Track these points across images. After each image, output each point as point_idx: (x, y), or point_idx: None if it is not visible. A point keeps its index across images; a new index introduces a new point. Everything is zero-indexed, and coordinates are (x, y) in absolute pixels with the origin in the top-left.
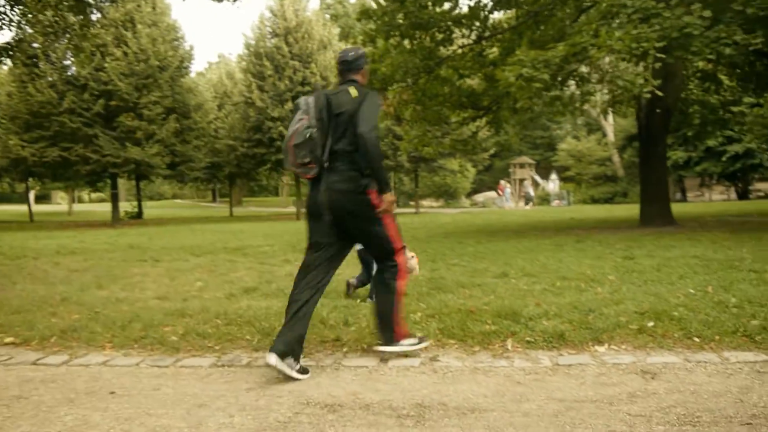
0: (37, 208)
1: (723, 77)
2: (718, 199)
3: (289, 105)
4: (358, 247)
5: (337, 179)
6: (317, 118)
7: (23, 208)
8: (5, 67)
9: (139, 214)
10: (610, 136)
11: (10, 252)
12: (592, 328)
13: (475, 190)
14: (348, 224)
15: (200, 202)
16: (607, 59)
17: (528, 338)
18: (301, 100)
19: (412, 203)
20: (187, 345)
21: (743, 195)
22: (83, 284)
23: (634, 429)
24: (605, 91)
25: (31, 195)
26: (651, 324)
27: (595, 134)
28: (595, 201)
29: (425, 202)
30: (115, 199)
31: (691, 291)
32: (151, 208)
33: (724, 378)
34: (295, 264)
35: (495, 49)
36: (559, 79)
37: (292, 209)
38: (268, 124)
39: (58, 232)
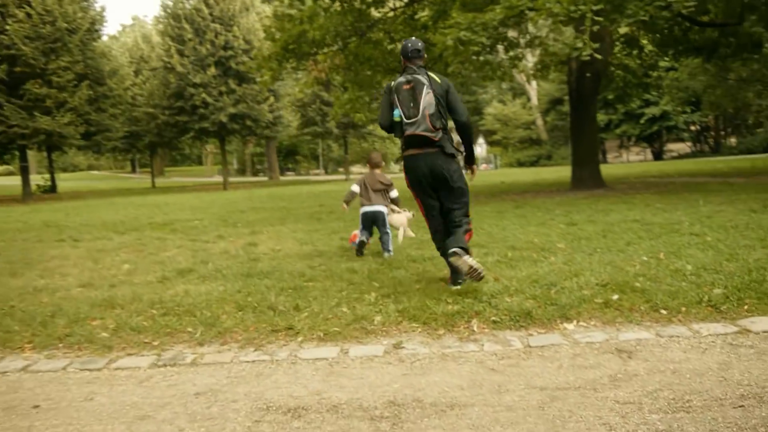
0: None
1: (644, 42)
2: (635, 159)
3: (213, 70)
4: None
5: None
6: (439, 94)
7: None
8: None
9: (52, 188)
10: (534, 100)
11: None
12: (558, 304)
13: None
14: (444, 181)
15: (119, 173)
16: (541, 22)
17: (494, 318)
18: (404, 78)
19: (341, 170)
20: (121, 342)
21: (658, 156)
22: None
23: (627, 419)
24: (532, 56)
25: None
26: (616, 297)
27: (520, 98)
28: (521, 164)
29: (354, 169)
30: (25, 173)
31: (644, 258)
32: (65, 181)
33: (700, 354)
34: (229, 240)
35: (426, 12)
36: (490, 43)
37: (219, 179)
38: (190, 91)
39: None
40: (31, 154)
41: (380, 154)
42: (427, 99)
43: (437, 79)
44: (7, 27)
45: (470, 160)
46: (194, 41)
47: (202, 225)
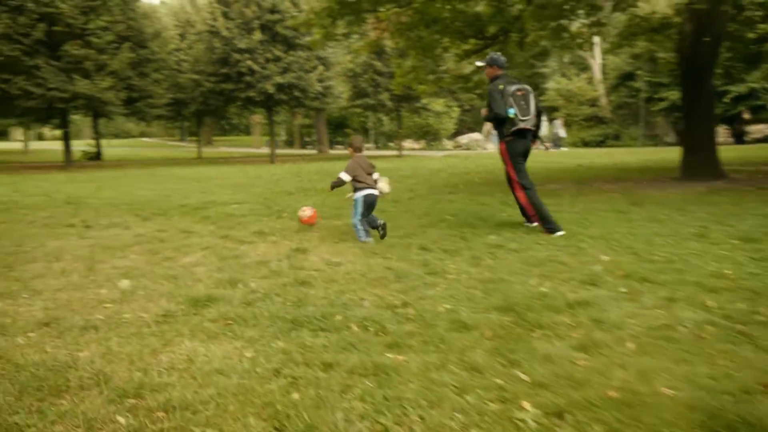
0: None
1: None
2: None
3: (258, 35)
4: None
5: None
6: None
7: None
8: None
9: (97, 155)
10: (597, 75)
11: None
12: None
13: (458, 132)
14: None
15: (168, 141)
16: None
17: None
18: (516, 86)
19: (392, 144)
20: None
21: (739, 139)
22: None
23: None
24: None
25: None
26: None
27: (586, 72)
28: (585, 144)
29: (405, 144)
30: (66, 139)
31: None
32: (114, 148)
33: None
34: (270, 240)
35: None
36: (569, 6)
37: (266, 150)
38: (235, 57)
39: (12, 178)
40: (82, 120)
41: (361, 137)
42: (533, 103)
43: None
44: None
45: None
46: (240, 3)
47: (240, 213)
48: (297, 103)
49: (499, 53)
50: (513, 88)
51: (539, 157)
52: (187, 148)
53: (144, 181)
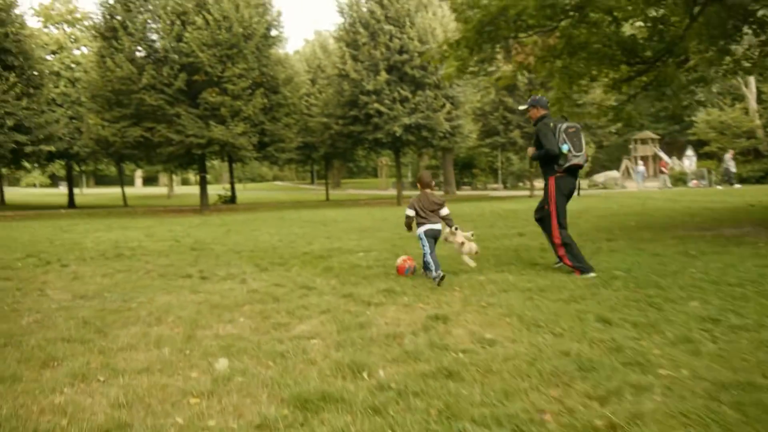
0: (141, 191)
1: None
2: None
3: (384, 75)
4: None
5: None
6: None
7: (129, 190)
8: (86, 50)
9: (232, 199)
10: (753, 104)
11: (47, 249)
12: None
13: (591, 171)
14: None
15: (300, 184)
16: None
17: None
18: (567, 124)
19: (521, 184)
20: None
21: None
22: (21, 354)
23: None
24: None
25: (138, 178)
26: None
27: (741, 102)
28: (742, 180)
29: (538, 183)
30: (203, 183)
31: None
32: (249, 191)
33: None
34: (402, 304)
35: None
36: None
37: (393, 191)
38: (363, 99)
39: (136, 220)
40: (224, 165)
41: (430, 174)
42: (584, 140)
43: None
44: (186, 35)
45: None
46: (368, 45)
47: (366, 263)
48: (425, 144)
49: (541, 95)
50: (564, 125)
51: (695, 196)
52: (316, 191)
53: (271, 224)
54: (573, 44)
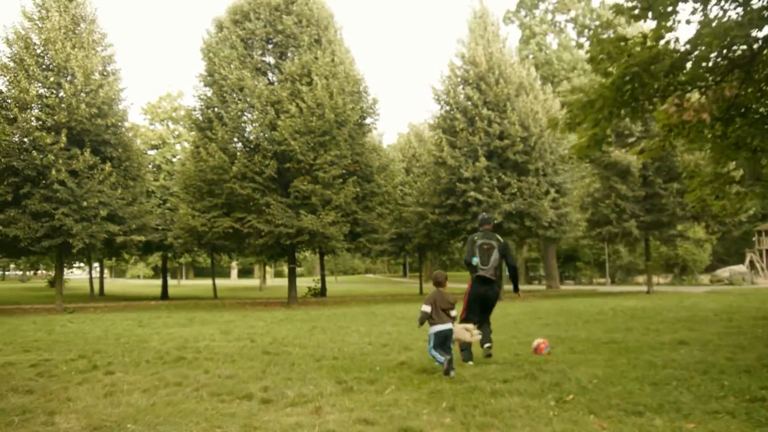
0: (235, 283)
1: None
2: None
3: (483, 161)
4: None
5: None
6: (500, 250)
7: (223, 282)
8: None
9: (322, 292)
10: None
11: (107, 348)
12: None
13: (711, 265)
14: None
15: (391, 277)
16: None
17: None
18: (482, 241)
19: (630, 279)
20: None
21: None
22: None
23: None
24: None
25: (234, 269)
26: None
27: None
28: None
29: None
30: (292, 275)
31: None
32: (341, 283)
33: None
34: None
35: None
36: None
37: None
38: (460, 187)
39: (220, 313)
40: (316, 257)
41: (444, 274)
42: (495, 256)
43: (500, 239)
44: (279, 123)
45: (516, 288)
46: (466, 131)
47: (490, 383)
48: (528, 233)
49: (484, 213)
50: (481, 241)
51: None
52: (409, 284)
53: (361, 321)
54: (737, 107)
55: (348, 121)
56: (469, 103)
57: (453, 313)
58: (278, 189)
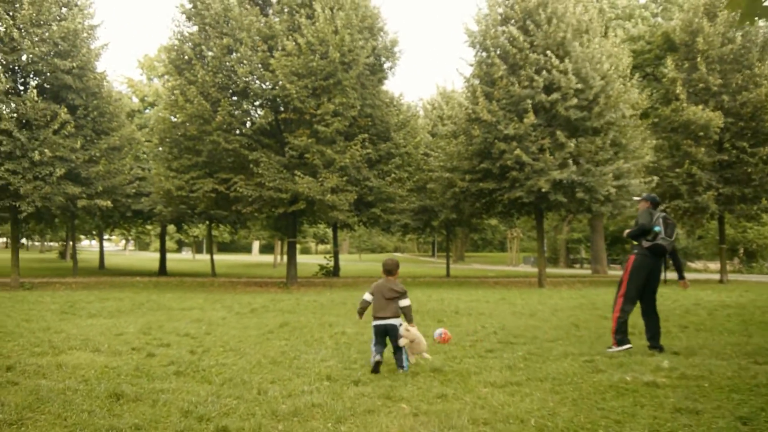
0: (257, 259)
1: None
2: None
3: (531, 118)
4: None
5: None
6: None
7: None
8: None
9: (335, 271)
10: None
11: None
12: None
13: None
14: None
15: (420, 256)
16: None
17: None
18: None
19: (692, 265)
20: None
21: None
22: None
23: None
24: None
25: (256, 245)
26: None
27: None
28: None
29: (712, 265)
30: (291, 251)
31: None
32: (365, 262)
33: None
34: None
35: None
36: None
37: (523, 268)
38: (499, 146)
39: (193, 295)
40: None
41: (395, 261)
42: (677, 233)
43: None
44: (272, 62)
45: (682, 276)
46: (507, 80)
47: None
48: (579, 207)
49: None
50: (664, 214)
51: None
52: (436, 264)
53: (355, 315)
54: None
55: (356, 62)
56: (513, 47)
57: (404, 302)
58: (272, 145)
